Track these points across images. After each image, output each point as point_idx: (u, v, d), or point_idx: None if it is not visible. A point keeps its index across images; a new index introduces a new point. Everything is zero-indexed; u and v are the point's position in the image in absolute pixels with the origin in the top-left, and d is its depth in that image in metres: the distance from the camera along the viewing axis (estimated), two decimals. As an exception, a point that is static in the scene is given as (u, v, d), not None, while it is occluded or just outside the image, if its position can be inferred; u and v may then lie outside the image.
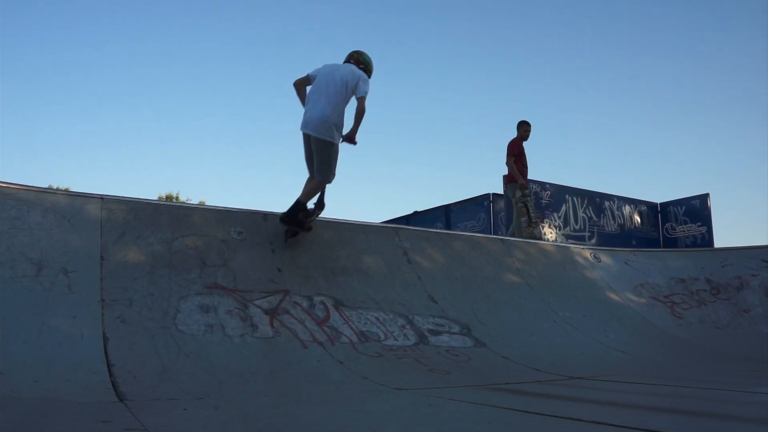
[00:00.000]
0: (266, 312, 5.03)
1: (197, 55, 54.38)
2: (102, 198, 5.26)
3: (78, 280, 4.46)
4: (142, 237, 5.16)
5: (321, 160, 5.72)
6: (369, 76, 5.98)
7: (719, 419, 3.04)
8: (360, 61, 6.06)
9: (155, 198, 5.76)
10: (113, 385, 3.52)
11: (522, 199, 9.53)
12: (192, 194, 46.52)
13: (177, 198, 37.08)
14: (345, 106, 5.79)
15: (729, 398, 3.92)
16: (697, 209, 13.33)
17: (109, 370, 3.69)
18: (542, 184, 11.89)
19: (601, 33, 45.47)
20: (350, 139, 5.73)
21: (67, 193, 5.43)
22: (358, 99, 5.73)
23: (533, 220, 9.59)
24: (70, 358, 3.76)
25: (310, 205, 5.93)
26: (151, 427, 2.52)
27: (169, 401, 3.34)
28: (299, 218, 5.81)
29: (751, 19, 38.48)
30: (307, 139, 5.79)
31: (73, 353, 3.81)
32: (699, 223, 13.24)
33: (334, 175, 5.87)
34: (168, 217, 5.51)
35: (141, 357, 3.99)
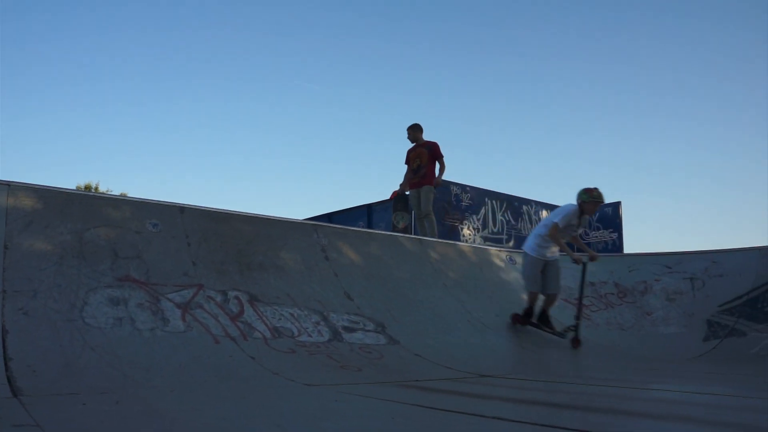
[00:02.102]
0: (179, 306, 4.97)
1: (129, 41, 52.50)
2: (9, 185, 5.06)
3: (-22, 269, 4.29)
4: (51, 226, 5.00)
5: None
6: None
7: (615, 415, 3.21)
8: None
9: (73, 188, 5.56)
10: (8, 380, 3.39)
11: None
12: (113, 185, 44.80)
13: (96, 188, 35.67)
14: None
15: (627, 395, 4.15)
16: (609, 216, 13.91)
17: (6, 365, 3.56)
18: (463, 187, 12.14)
19: (518, 37, 46.66)
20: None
21: (-30, 179, 5.21)
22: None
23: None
24: (-36, 351, 3.62)
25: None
26: (43, 423, 2.46)
27: (68, 396, 3.26)
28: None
29: (655, 27, 40.36)
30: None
31: (-33, 346, 3.67)
32: (611, 230, 13.83)
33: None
34: (80, 206, 5.35)
35: (43, 351, 3.86)
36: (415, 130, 9.86)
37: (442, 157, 9.60)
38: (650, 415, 3.21)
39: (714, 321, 8.18)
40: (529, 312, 7.48)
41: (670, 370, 6.08)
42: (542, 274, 7.43)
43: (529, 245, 7.64)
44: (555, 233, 7.29)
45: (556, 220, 7.29)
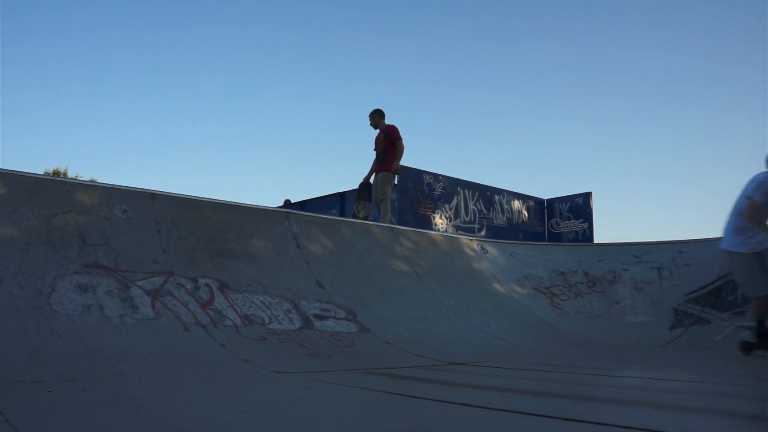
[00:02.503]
0: (148, 293, 4.94)
1: (98, 23, 51.57)
2: (-27, 169, 4.98)
3: (-59, 255, 4.22)
4: (17, 212, 4.92)
5: None
6: None
7: (580, 400, 3.27)
8: None
9: (41, 173, 5.47)
10: (-26, 367, 3.37)
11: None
12: (83, 171, 43.97)
13: (65, 174, 35.09)
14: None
15: (593, 382, 4.22)
16: (580, 206, 14.08)
17: (-29, 351, 3.53)
18: (435, 176, 12.18)
19: (494, 30, 46.81)
20: None
21: (-66, 162, 5.10)
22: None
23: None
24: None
25: None
26: (8, 411, 2.44)
27: (34, 384, 3.23)
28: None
29: (625, 11, 40.76)
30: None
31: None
32: (581, 220, 14.01)
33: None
34: (48, 192, 5.27)
35: (8, 338, 3.82)
36: (375, 116, 9.74)
37: (398, 140, 9.43)
38: (614, 401, 3.28)
39: (680, 310, 8.36)
40: (765, 330, 5.86)
41: (637, 357, 6.21)
42: (763, 271, 5.90)
43: (730, 242, 6.18)
44: (756, 212, 5.77)
45: (752, 195, 5.78)
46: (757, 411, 2.88)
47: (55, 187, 5.39)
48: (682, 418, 2.66)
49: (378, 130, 9.76)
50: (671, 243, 9.69)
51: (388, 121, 9.68)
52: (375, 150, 9.76)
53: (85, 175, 36.29)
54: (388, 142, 9.48)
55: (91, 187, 5.74)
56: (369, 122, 9.81)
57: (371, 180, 9.79)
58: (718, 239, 9.15)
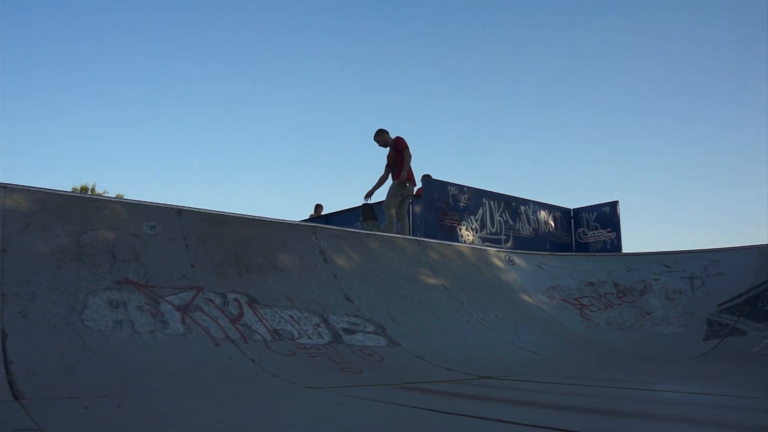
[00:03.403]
0: (178, 308, 4.96)
1: (122, 42, 52.46)
2: (5, 187, 5.04)
3: (-24, 272, 4.27)
4: (48, 229, 4.98)
5: None
6: None
7: (614, 416, 3.21)
8: None
9: (69, 189, 5.55)
10: (9, 384, 3.39)
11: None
12: (109, 187, 44.56)
13: (93, 190, 35.59)
14: None
15: (626, 396, 4.14)
16: (607, 216, 13.91)
17: (6, 368, 3.55)
18: (460, 187, 12.13)
19: (515, 36, 46.75)
20: None
21: (-33, 182, 5.19)
22: None
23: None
24: (-36, 354, 3.60)
25: None
26: (45, 426, 2.45)
27: (69, 399, 3.25)
28: None
29: (651, 23, 40.45)
30: None
31: (-33, 349, 3.65)
32: (609, 229, 13.83)
33: None
34: (77, 209, 5.34)
35: (43, 354, 3.86)
36: (380, 135, 9.90)
37: (404, 149, 9.55)
38: (649, 416, 3.22)
39: (714, 320, 8.20)
40: None
41: (671, 370, 6.08)
42: None
43: None
44: None
45: None
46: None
47: (83, 204, 5.45)
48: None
49: (388, 147, 9.90)
50: (702, 252, 9.54)
51: (399, 133, 9.86)
52: (387, 166, 9.95)
53: (112, 191, 36.79)
54: (397, 154, 9.61)
55: (119, 203, 5.80)
56: (378, 144, 9.96)
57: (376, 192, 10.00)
58: (750, 247, 9.01)
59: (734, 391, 4.36)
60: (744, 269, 8.73)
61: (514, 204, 13.13)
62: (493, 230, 12.36)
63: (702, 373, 5.83)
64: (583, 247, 14.04)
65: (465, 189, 12.24)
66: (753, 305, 8.08)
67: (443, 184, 11.85)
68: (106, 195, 30.87)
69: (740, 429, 2.73)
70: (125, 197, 9.30)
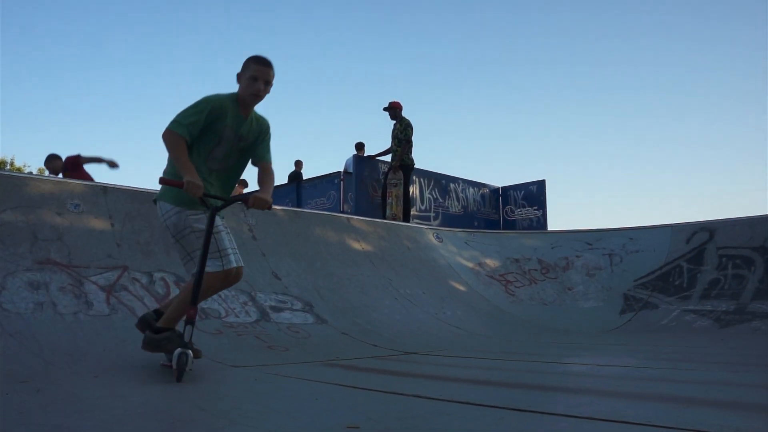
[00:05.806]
0: (103, 288, 4.92)
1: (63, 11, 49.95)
2: None
3: None
4: (-37, 208, 4.84)
5: None
6: None
7: (528, 389, 3.40)
8: None
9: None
10: (-76, 369, 3.33)
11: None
12: (30, 160, 41.58)
13: (12, 164, 33.83)
14: None
15: (541, 369, 4.38)
16: (534, 194, 14.33)
17: None
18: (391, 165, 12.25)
19: (446, 16, 47.02)
20: None
21: None
22: None
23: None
24: None
25: None
26: (-38, 414, 2.45)
27: (-13, 385, 3.22)
28: None
29: (570, 18, 41.38)
30: None
31: None
32: (535, 207, 14.26)
33: None
34: (-5, 186, 5.18)
35: (-42, 338, 3.79)
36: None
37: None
38: (562, 389, 3.43)
39: (630, 295, 8.67)
40: None
41: (587, 343, 6.42)
42: None
43: None
44: None
45: None
46: (691, 395, 3.05)
47: (2, 181, 5.29)
48: (621, 404, 2.81)
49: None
50: (622, 230, 10.01)
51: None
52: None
53: (33, 165, 35.06)
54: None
55: (41, 180, 5.65)
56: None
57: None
58: (665, 226, 9.50)
59: (640, 362, 4.66)
60: (659, 247, 9.23)
61: (443, 182, 13.36)
62: (423, 207, 12.56)
63: (614, 345, 6.18)
64: (510, 225, 14.44)
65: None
66: (665, 280, 8.58)
67: (374, 161, 11.96)
68: (26, 170, 29.53)
69: (642, 399, 2.96)
70: (47, 174, 9.03)
